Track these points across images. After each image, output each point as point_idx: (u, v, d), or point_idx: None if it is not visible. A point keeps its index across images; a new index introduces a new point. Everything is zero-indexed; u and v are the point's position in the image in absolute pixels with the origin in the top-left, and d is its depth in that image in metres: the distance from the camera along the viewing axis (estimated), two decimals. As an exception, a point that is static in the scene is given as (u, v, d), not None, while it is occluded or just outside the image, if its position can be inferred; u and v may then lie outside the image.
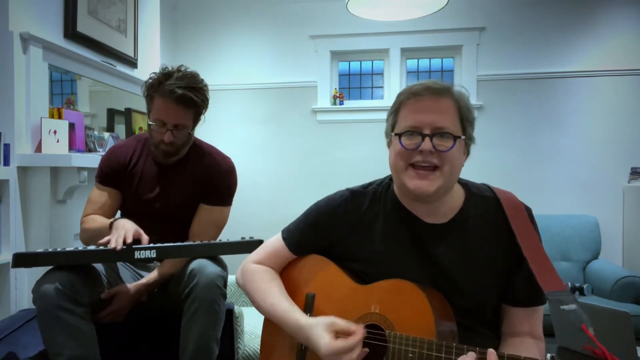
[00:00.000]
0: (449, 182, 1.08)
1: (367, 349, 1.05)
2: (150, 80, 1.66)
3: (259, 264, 1.29)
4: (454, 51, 4.06)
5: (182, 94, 1.61)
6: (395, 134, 1.10)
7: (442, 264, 1.11)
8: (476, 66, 3.93)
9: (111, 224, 1.58)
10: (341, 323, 1.06)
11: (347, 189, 1.25)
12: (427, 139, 1.05)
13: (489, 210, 1.13)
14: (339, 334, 1.04)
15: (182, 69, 1.66)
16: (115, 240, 1.45)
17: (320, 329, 1.06)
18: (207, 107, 1.73)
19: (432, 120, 1.06)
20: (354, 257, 1.20)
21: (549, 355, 0.86)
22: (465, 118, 1.10)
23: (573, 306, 0.95)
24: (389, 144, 1.16)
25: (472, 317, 1.10)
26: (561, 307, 0.95)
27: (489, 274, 1.10)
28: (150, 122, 1.67)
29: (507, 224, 1.10)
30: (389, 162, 1.14)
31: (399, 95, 1.13)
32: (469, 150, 1.14)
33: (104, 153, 1.89)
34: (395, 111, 1.14)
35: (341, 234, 1.21)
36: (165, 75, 1.63)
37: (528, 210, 1.13)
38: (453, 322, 1.05)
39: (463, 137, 1.09)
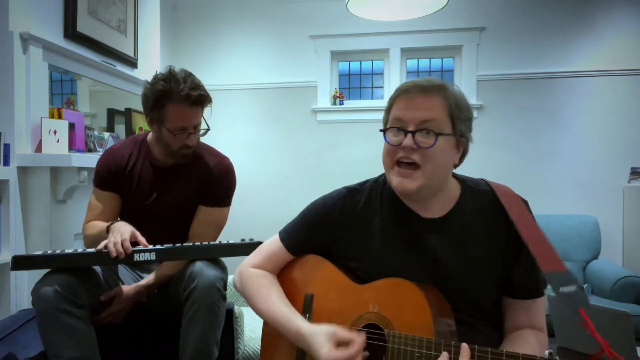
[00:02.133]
0: (432, 180, 1.07)
1: (366, 352, 1.05)
2: (159, 90, 1.61)
3: (257, 268, 1.28)
4: (454, 51, 4.05)
5: (198, 95, 1.62)
6: (381, 130, 1.12)
7: (440, 257, 1.11)
8: (476, 66, 3.93)
9: (108, 228, 1.57)
10: (343, 333, 1.05)
11: (344, 187, 1.25)
12: (409, 136, 1.05)
13: (485, 203, 1.13)
14: (340, 343, 1.04)
15: (178, 70, 1.65)
16: (112, 246, 1.45)
17: (321, 338, 1.05)
18: (211, 100, 1.73)
19: (417, 116, 1.06)
20: (352, 255, 1.19)
21: (547, 352, 0.86)
22: (455, 116, 1.08)
23: (573, 288, 0.94)
24: None
25: (472, 312, 1.10)
26: (560, 289, 0.95)
27: (487, 266, 1.10)
28: (173, 132, 1.64)
29: (504, 216, 1.09)
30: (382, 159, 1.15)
31: (393, 93, 1.14)
32: (466, 148, 1.13)
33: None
34: (387, 109, 1.15)
35: (338, 232, 1.21)
36: (172, 82, 1.60)
37: (525, 202, 1.14)
38: (452, 320, 1.05)
39: (450, 134, 1.07)
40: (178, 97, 1.59)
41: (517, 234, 1.06)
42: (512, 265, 1.10)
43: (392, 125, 1.09)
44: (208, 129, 1.74)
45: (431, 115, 1.06)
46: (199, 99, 1.63)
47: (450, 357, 0.94)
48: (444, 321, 1.03)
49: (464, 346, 0.93)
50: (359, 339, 1.03)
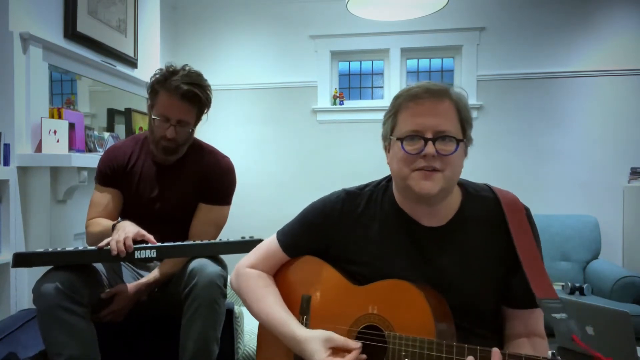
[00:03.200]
0: (450, 184, 1.07)
1: (364, 356, 1.04)
2: (156, 76, 1.68)
3: (253, 268, 1.28)
4: (454, 51, 4.06)
5: (188, 90, 1.63)
6: (397, 139, 1.07)
7: (440, 266, 1.10)
8: (476, 66, 3.93)
9: (113, 227, 1.58)
10: (338, 339, 1.05)
11: (343, 190, 1.24)
12: (430, 144, 1.03)
13: (487, 211, 1.12)
14: (335, 349, 1.04)
15: (187, 68, 1.69)
16: (114, 244, 1.46)
17: (315, 344, 1.05)
18: (209, 106, 1.75)
19: (434, 123, 1.04)
20: (351, 259, 1.19)
21: (550, 353, 0.87)
22: (465, 119, 1.08)
23: (564, 315, 0.95)
24: (386, 148, 1.15)
25: (471, 319, 1.09)
26: (553, 315, 0.95)
27: (487, 275, 1.09)
28: (153, 117, 1.68)
29: (505, 225, 1.09)
30: (391, 167, 1.12)
31: (397, 97, 1.11)
32: (467, 151, 1.13)
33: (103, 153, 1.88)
34: (394, 114, 1.11)
35: (337, 235, 1.20)
36: (171, 72, 1.66)
37: (527, 211, 1.13)
38: (451, 322, 1.05)
39: (463, 139, 1.07)
40: (168, 86, 1.64)
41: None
42: (511, 274, 1.09)
43: (408, 134, 1.05)
44: (192, 130, 1.72)
45: (447, 121, 1.05)
46: (188, 93, 1.64)
47: None
48: (444, 322, 1.03)
49: (495, 351, 0.90)
50: (355, 345, 1.03)
